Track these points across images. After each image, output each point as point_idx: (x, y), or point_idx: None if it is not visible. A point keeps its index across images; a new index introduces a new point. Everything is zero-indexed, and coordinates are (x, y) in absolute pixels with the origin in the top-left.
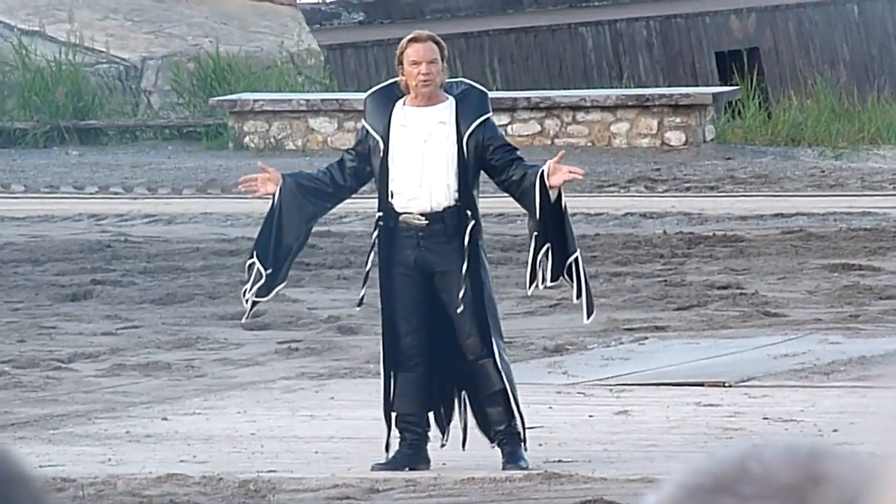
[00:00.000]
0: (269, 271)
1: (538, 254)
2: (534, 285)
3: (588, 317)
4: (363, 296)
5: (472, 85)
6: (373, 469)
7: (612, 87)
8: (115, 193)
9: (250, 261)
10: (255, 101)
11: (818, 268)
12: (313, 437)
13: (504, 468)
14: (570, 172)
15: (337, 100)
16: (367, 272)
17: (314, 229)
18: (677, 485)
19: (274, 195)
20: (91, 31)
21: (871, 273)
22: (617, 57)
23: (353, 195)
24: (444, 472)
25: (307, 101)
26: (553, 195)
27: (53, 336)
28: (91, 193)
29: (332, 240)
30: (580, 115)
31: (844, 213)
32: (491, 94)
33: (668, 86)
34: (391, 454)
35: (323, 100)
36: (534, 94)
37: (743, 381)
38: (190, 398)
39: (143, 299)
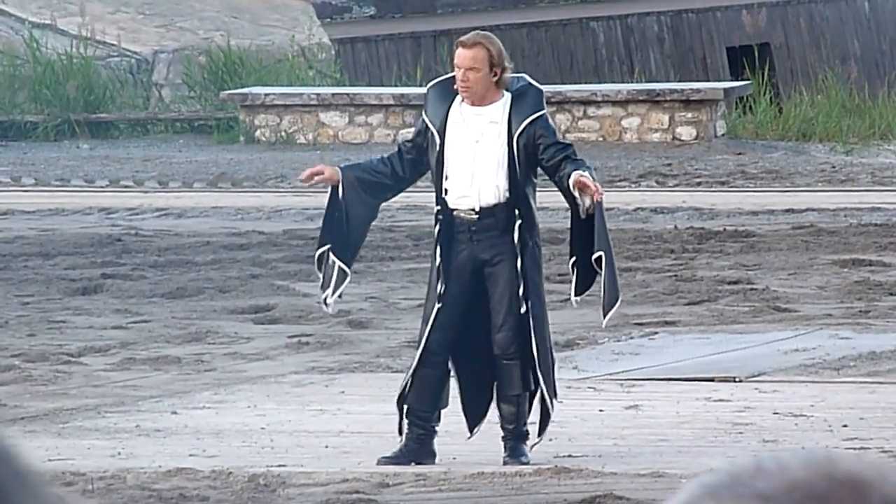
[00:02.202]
0: (348, 266)
1: (570, 264)
2: (573, 296)
3: (605, 315)
4: (441, 291)
5: (529, 83)
6: (378, 463)
7: (623, 82)
8: (126, 187)
9: (329, 257)
10: (266, 94)
11: (829, 263)
12: (323, 431)
13: (505, 462)
14: (589, 188)
15: (348, 94)
16: (439, 267)
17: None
18: (696, 483)
19: (336, 189)
20: (102, 24)
21: (881, 268)
22: (628, 52)
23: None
24: (454, 467)
25: (318, 94)
26: (587, 202)
27: (63, 330)
28: (102, 187)
29: None
30: (591, 110)
31: (855, 209)
32: None
33: (680, 81)
34: (397, 449)
35: (334, 94)
36: (545, 89)
37: (753, 377)
38: (200, 392)
39: (154, 293)
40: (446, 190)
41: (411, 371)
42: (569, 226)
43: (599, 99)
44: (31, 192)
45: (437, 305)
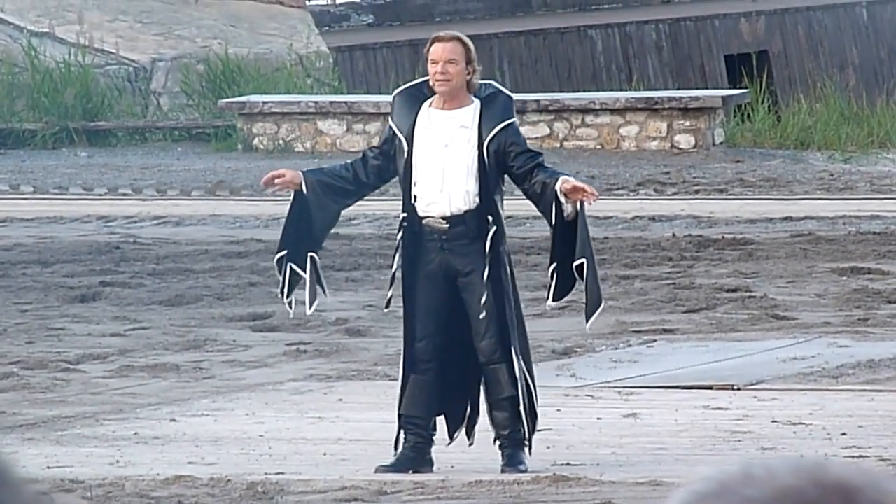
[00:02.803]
0: (306, 272)
1: (549, 270)
2: (548, 301)
3: (587, 320)
4: (390, 297)
5: (498, 89)
6: (376, 471)
7: (621, 90)
8: (124, 195)
9: (287, 264)
10: (264, 102)
11: (827, 271)
12: (321, 439)
13: (503, 471)
14: (585, 192)
15: (346, 102)
16: (394, 273)
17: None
18: (686, 491)
19: (298, 193)
20: (100, 32)
21: (879, 276)
22: (626, 60)
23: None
24: (452, 475)
25: (316, 103)
26: (569, 209)
27: (62, 337)
28: (100, 195)
29: (340, 242)
30: (589, 118)
31: (853, 217)
32: None
33: (678, 89)
34: (395, 456)
35: (332, 102)
36: (543, 97)
37: (751, 385)
38: (198, 400)
39: (152, 301)
40: (415, 196)
41: (402, 380)
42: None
43: (598, 107)
44: (30, 200)
45: (418, 314)
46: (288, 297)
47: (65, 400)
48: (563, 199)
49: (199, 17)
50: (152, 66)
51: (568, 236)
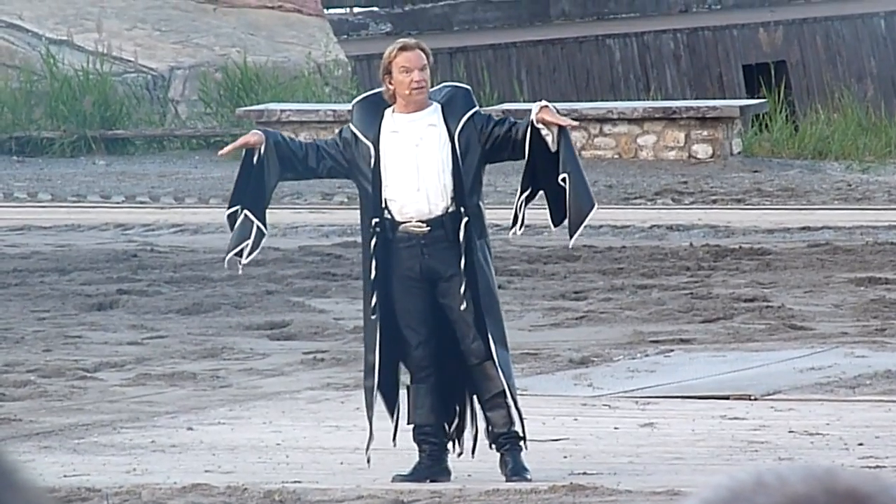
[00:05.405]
0: (264, 225)
1: (518, 200)
2: (514, 228)
3: (575, 230)
4: (375, 304)
5: (454, 85)
6: (393, 480)
7: (639, 100)
8: (142, 203)
9: (245, 216)
10: (283, 111)
11: (844, 281)
12: (338, 447)
13: (508, 479)
14: (559, 123)
15: None
16: (373, 280)
17: (341, 240)
18: (697, 499)
19: (259, 149)
20: (119, 40)
21: None
22: (644, 69)
23: None
24: (469, 484)
25: (334, 111)
26: (553, 136)
27: (79, 345)
28: (118, 203)
29: (358, 250)
30: (607, 128)
31: (871, 227)
32: (518, 106)
33: (696, 98)
34: (412, 467)
35: (350, 110)
36: (560, 106)
37: (769, 395)
38: (215, 408)
39: (169, 309)
40: (387, 200)
41: (409, 390)
42: (524, 175)
43: (615, 116)
44: (48, 208)
45: (409, 322)
46: (251, 253)
47: (82, 408)
48: (541, 127)
49: (218, 26)
50: (170, 75)
51: (550, 160)
